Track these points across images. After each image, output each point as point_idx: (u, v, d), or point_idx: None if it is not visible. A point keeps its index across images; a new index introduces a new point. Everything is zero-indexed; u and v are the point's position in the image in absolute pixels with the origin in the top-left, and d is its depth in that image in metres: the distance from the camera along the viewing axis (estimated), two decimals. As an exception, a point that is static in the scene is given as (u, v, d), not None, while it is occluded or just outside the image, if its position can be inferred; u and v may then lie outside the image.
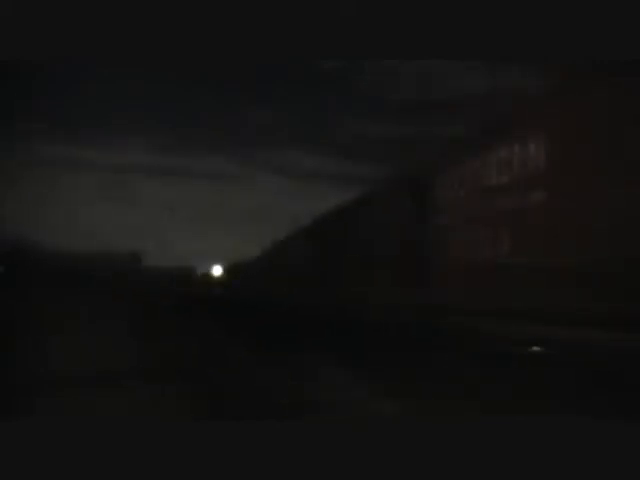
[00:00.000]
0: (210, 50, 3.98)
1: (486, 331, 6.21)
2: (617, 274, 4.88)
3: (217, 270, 56.11)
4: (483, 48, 3.88)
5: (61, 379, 4.15)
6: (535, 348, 5.20)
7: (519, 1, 3.75)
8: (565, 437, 2.45)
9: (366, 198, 12.29)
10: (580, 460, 2.20)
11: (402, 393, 3.61)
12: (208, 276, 54.81)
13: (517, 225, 6.43)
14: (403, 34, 3.87)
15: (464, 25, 3.77)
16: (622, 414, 2.88)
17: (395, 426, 3.02)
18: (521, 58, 4.12)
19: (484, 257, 7.12)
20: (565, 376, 4.04)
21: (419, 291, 8.78)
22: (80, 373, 4.48)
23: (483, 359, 4.91)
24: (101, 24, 3.64)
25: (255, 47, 3.97)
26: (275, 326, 8.91)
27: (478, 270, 7.18)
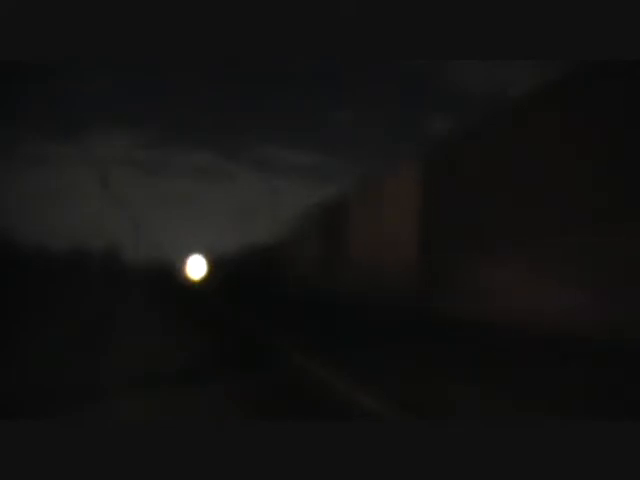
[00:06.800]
0: (208, 49, 3.97)
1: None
2: None
3: (199, 268, 44.99)
4: (483, 48, 3.86)
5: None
6: None
7: (519, 1, 3.74)
8: (567, 439, 2.45)
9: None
10: (580, 461, 2.20)
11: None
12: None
13: None
14: (403, 34, 3.85)
15: (464, 25, 3.76)
16: None
17: (395, 426, 3.02)
18: (521, 58, 4.09)
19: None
20: None
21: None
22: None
23: None
24: (95, 25, 3.64)
25: (254, 47, 3.96)
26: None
27: None
